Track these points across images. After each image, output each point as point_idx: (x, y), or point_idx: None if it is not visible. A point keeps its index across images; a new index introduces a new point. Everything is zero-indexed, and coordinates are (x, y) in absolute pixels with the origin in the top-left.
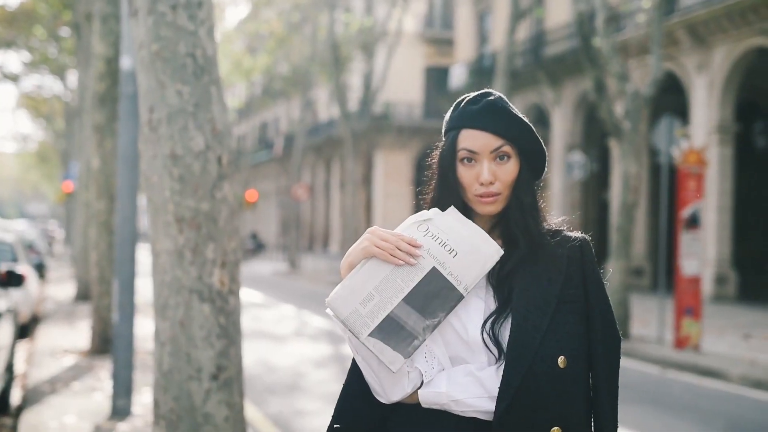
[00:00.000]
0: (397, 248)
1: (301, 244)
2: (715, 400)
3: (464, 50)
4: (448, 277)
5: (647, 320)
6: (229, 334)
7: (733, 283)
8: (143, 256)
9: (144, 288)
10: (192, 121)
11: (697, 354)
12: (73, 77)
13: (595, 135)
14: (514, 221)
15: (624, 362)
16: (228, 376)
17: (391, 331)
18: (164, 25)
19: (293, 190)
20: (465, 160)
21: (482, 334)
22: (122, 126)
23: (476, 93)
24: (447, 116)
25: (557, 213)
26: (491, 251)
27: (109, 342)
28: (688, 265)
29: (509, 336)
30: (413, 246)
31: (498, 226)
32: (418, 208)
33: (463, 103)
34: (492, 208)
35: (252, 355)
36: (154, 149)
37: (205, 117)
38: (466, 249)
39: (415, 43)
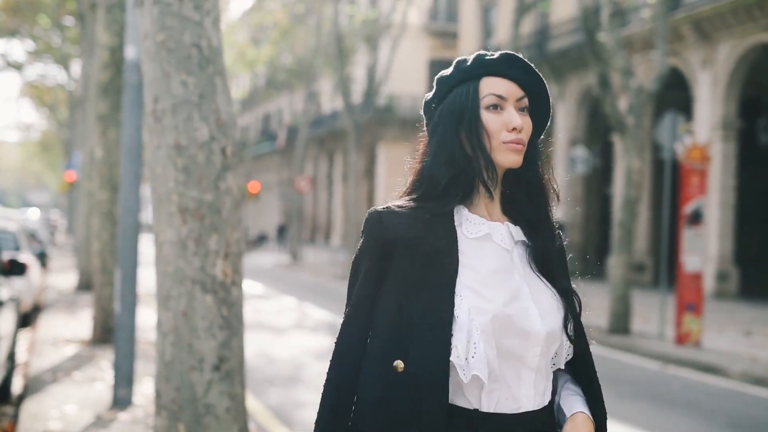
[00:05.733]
0: None
1: (303, 236)
2: (715, 396)
3: (468, 43)
4: None
5: (648, 316)
6: (232, 325)
7: (734, 279)
8: (146, 246)
9: (146, 278)
10: (197, 111)
11: (698, 350)
12: (76, 66)
13: (598, 130)
14: (532, 177)
15: (625, 357)
16: (230, 367)
17: None
18: (170, 15)
19: (296, 181)
20: (491, 107)
21: (566, 332)
22: (126, 116)
23: (481, 52)
24: (448, 73)
25: (560, 208)
26: None
27: (111, 332)
28: (690, 261)
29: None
30: None
31: (506, 201)
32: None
33: (471, 59)
34: (519, 157)
35: (253, 346)
36: (158, 140)
37: (209, 108)
38: None
39: (419, 36)
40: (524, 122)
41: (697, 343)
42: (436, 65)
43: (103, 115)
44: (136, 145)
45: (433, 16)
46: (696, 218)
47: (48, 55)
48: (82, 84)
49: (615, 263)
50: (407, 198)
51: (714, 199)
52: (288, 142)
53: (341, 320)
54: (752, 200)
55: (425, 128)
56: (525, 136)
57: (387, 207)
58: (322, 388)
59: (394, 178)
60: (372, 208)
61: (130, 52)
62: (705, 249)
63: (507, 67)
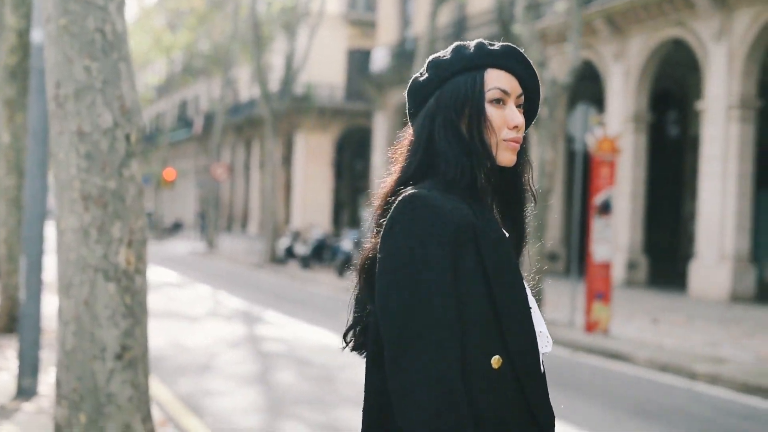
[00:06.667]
0: None
1: (219, 224)
2: (622, 383)
3: (387, 33)
4: None
5: (560, 304)
6: (135, 313)
7: (644, 268)
8: (52, 233)
9: (53, 266)
10: (100, 97)
11: (607, 337)
12: None
13: None
14: (514, 176)
15: None
16: (133, 356)
17: None
18: None
19: (212, 169)
20: (494, 101)
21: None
22: (32, 101)
23: (482, 40)
24: (446, 57)
25: None
26: None
27: (16, 321)
28: (599, 250)
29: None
30: None
31: (500, 203)
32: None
33: (473, 46)
34: (515, 156)
35: (164, 335)
36: (60, 125)
37: (113, 94)
38: None
39: (337, 25)
40: (522, 120)
41: (606, 330)
42: (354, 54)
43: (10, 100)
44: (43, 131)
45: (352, 5)
46: (605, 208)
47: None
48: None
49: (527, 253)
50: (430, 183)
51: (625, 190)
52: (205, 129)
53: (409, 320)
54: (662, 191)
55: (408, 111)
56: (522, 134)
57: (428, 191)
58: (433, 420)
59: (311, 167)
60: (413, 192)
61: (36, 36)
62: (615, 239)
63: (511, 61)
